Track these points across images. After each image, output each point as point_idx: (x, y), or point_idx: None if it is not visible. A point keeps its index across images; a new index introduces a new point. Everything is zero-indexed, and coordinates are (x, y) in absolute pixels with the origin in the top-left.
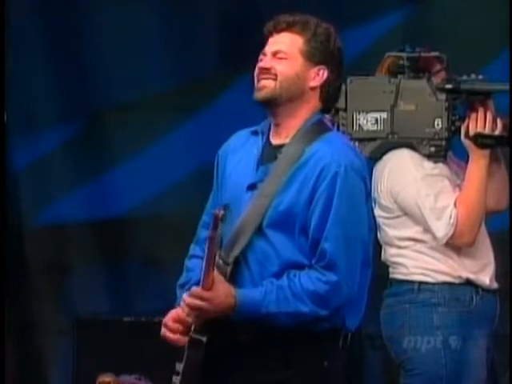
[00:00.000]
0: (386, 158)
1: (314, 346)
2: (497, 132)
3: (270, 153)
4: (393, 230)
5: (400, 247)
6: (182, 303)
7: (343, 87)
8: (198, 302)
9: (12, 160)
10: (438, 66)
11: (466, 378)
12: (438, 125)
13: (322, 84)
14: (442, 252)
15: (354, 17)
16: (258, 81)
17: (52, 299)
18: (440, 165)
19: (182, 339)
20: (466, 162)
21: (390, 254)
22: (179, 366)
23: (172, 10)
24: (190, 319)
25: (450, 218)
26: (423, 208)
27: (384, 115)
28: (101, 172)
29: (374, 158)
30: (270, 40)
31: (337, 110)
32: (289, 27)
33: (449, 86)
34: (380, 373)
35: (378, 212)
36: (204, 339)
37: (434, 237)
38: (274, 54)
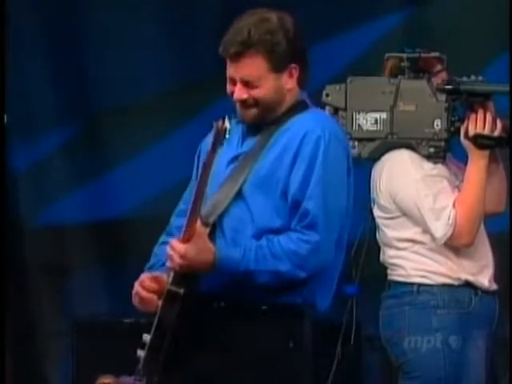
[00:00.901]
0: (384, 158)
1: (282, 324)
2: (496, 133)
3: (254, 129)
4: (391, 231)
5: (399, 248)
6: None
7: (343, 87)
8: (175, 255)
9: (12, 161)
10: (438, 67)
11: (465, 379)
12: (437, 125)
13: (296, 80)
14: (440, 253)
15: (354, 18)
16: (240, 109)
17: (51, 300)
18: (439, 165)
19: (153, 300)
20: (465, 163)
21: (388, 255)
22: (146, 337)
23: (171, 11)
24: (166, 277)
25: (449, 218)
26: (422, 208)
27: (383, 115)
28: (100, 173)
29: (373, 158)
30: (233, 65)
31: (336, 110)
32: (246, 50)
33: (449, 87)
34: (379, 374)
35: (376, 212)
36: (181, 291)
37: (433, 237)
38: (245, 83)
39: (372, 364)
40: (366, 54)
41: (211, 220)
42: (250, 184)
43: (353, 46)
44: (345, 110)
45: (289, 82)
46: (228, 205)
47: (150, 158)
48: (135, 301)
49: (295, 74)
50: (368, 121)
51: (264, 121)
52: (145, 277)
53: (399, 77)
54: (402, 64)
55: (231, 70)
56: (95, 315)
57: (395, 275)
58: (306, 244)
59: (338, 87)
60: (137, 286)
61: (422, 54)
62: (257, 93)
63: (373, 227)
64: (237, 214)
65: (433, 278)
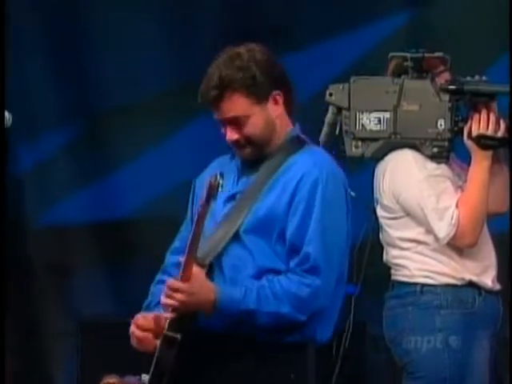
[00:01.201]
0: (388, 158)
1: (282, 359)
2: (499, 133)
3: (250, 167)
4: (395, 231)
5: (402, 248)
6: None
7: (346, 86)
8: (175, 294)
9: (15, 162)
10: (441, 67)
11: (469, 379)
12: (440, 125)
13: (283, 105)
14: (444, 254)
15: (358, 18)
16: (236, 150)
17: (56, 301)
18: (442, 166)
19: (148, 338)
20: (469, 163)
21: (392, 255)
22: (145, 378)
23: (171, 11)
24: (165, 317)
25: (452, 218)
26: (425, 208)
27: (387, 115)
28: (103, 173)
29: (377, 158)
30: (216, 110)
31: (340, 109)
32: (223, 92)
33: (452, 87)
34: (383, 375)
35: (380, 212)
36: (178, 337)
37: (436, 237)
38: (233, 123)
39: (377, 364)
40: (369, 54)
41: (207, 261)
42: (247, 225)
43: (356, 46)
44: (348, 109)
45: (275, 110)
46: (226, 245)
47: (152, 158)
48: (133, 341)
49: (280, 100)
50: (371, 120)
51: (262, 154)
52: (140, 316)
53: (403, 76)
54: (406, 64)
55: (217, 115)
56: (99, 315)
57: (399, 275)
58: (306, 288)
59: (341, 87)
60: (132, 327)
61: (426, 54)
62: (247, 130)
63: (376, 227)
64: (237, 254)
65: (436, 279)
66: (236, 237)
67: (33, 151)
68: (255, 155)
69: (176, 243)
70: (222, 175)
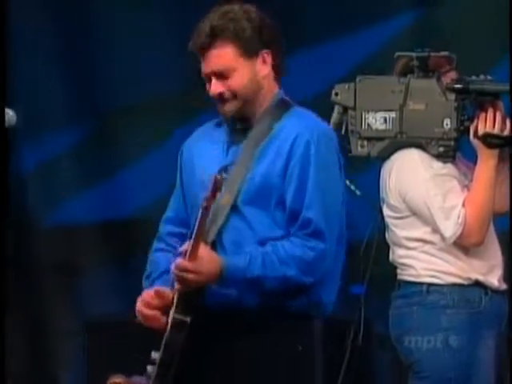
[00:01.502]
0: (394, 157)
1: (289, 328)
2: (506, 132)
3: (238, 135)
4: (401, 231)
5: (408, 248)
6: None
7: (352, 86)
8: (184, 274)
9: (21, 162)
10: (447, 66)
11: (475, 379)
12: (446, 125)
13: (271, 67)
14: (450, 253)
15: (365, 18)
16: (219, 105)
17: (62, 300)
18: (448, 165)
19: (158, 317)
20: (475, 163)
21: (398, 254)
22: (155, 354)
23: (181, 11)
24: (172, 295)
25: (459, 217)
26: (431, 208)
27: (393, 114)
28: (110, 173)
29: (383, 157)
30: (204, 60)
31: (345, 109)
32: (213, 40)
33: (458, 86)
34: (389, 374)
35: (386, 212)
36: (188, 319)
37: (442, 236)
38: (218, 75)
39: (383, 363)
40: (375, 54)
41: (210, 238)
42: (245, 194)
43: (362, 45)
44: (354, 109)
45: (263, 69)
46: (225, 219)
47: (159, 157)
48: (139, 318)
49: (268, 60)
50: (377, 120)
51: (246, 114)
52: (146, 294)
53: (408, 76)
54: (412, 63)
55: (204, 66)
56: (106, 315)
57: (405, 275)
58: (311, 251)
59: (347, 86)
60: (139, 305)
61: (431, 54)
62: (232, 83)
63: (382, 227)
64: (235, 227)
65: (443, 278)
66: (234, 209)
67: (40, 151)
68: (239, 111)
69: (168, 213)
70: (226, 169)
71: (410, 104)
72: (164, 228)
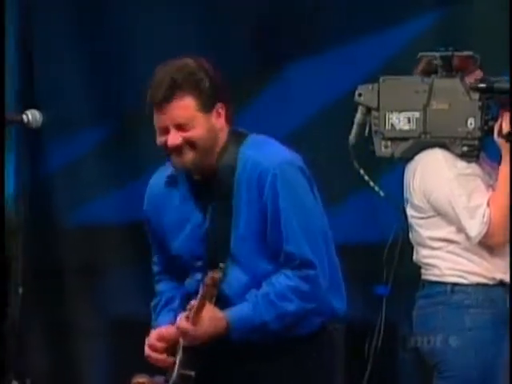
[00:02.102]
0: (418, 157)
1: (302, 340)
2: None
3: (204, 191)
4: (425, 231)
5: (433, 248)
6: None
7: (376, 86)
8: (185, 336)
9: (47, 162)
10: (471, 66)
11: (498, 379)
12: (470, 124)
13: (224, 118)
14: (475, 253)
15: (389, 18)
16: (174, 157)
17: (87, 300)
18: (473, 164)
19: (167, 359)
20: (499, 163)
21: (422, 255)
22: None
23: (207, 10)
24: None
25: (484, 216)
26: (456, 207)
27: (417, 114)
28: (135, 173)
29: (406, 157)
30: (163, 112)
31: (369, 110)
32: (174, 93)
33: (482, 86)
34: (413, 375)
35: (410, 212)
36: (193, 374)
37: (467, 236)
38: (177, 127)
39: (406, 364)
40: (399, 55)
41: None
42: (235, 245)
43: (387, 46)
44: (377, 109)
45: (218, 122)
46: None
47: None
48: (149, 360)
49: (222, 113)
50: (401, 120)
51: (202, 166)
52: (153, 339)
53: (432, 76)
54: (435, 63)
55: (161, 118)
56: (130, 314)
57: (429, 275)
58: (304, 281)
59: (370, 87)
60: (147, 350)
61: (455, 53)
62: (191, 134)
63: (405, 227)
64: (236, 277)
65: (467, 278)
66: (232, 260)
67: (65, 151)
68: (195, 164)
69: (155, 267)
70: (222, 269)
71: (434, 104)
72: (157, 277)
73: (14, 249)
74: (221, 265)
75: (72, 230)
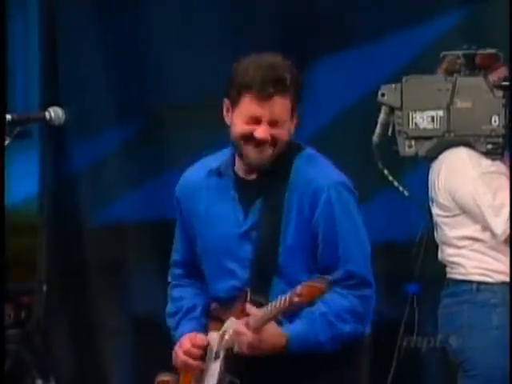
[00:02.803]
0: (442, 156)
1: (333, 365)
2: None
3: (250, 190)
4: (451, 229)
5: (458, 247)
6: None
7: (399, 86)
8: (243, 344)
9: (70, 161)
10: (494, 63)
11: None
12: (495, 122)
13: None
14: (501, 252)
15: (413, 17)
16: (253, 148)
17: (111, 299)
18: (497, 162)
19: (200, 366)
20: None
21: (447, 253)
22: None
23: (232, 11)
24: (206, 340)
25: (509, 214)
26: (482, 206)
27: (440, 113)
28: (159, 171)
29: (431, 157)
30: (263, 104)
31: (392, 109)
32: (283, 90)
33: (506, 83)
34: (439, 374)
35: (435, 211)
36: (239, 382)
37: (493, 234)
38: (272, 123)
39: (431, 363)
40: (424, 53)
41: (264, 299)
42: (283, 256)
43: (411, 45)
44: (401, 109)
45: (292, 129)
46: (269, 281)
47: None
48: (176, 364)
49: (295, 121)
50: (425, 119)
51: (273, 165)
52: (187, 344)
53: (455, 74)
54: (458, 61)
55: (257, 109)
56: (154, 312)
57: (455, 273)
58: (361, 300)
59: (393, 86)
60: (183, 357)
61: (478, 51)
62: (279, 133)
63: (431, 226)
64: (282, 292)
65: (493, 276)
66: (277, 271)
67: (89, 150)
68: (270, 161)
69: (175, 256)
70: (330, 283)
71: (457, 102)
72: (174, 270)
73: (37, 247)
74: (328, 277)
75: (96, 229)
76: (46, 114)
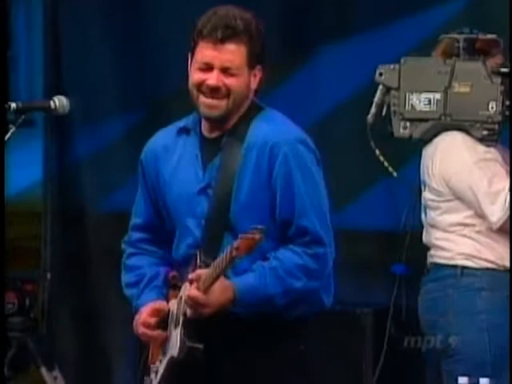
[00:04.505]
0: (436, 140)
1: (289, 334)
2: None
3: (211, 148)
4: (442, 214)
5: (447, 231)
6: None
7: (397, 67)
8: (197, 307)
9: (76, 148)
10: (494, 50)
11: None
12: (492, 108)
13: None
14: (489, 237)
15: (419, 2)
16: (206, 98)
17: (117, 287)
18: (492, 149)
19: (161, 335)
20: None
21: (434, 236)
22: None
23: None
24: (166, 306)
25: (505, 202)
26: (477, 193)
27: (437, 96)
28: None
29: (425, 139)
30: (215, 50)
31: (388, 89)
32: (234, 36)
33: (504, 70)
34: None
35: (427, 195)
36: (201, 347)
37: (489, 221)
38: (224, 69)
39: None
40: (430, 39)
41: (212, 257)
42: (236, 212)
43: (417, 30)
44: (397, 89)
45: (252, 83)
46: (222, 238)
47: None
48: (138, 335)
49: (258, 76)
50: (421, 101)
51: (225, 119)
52: (145, 315)
53: (454, 58)
54: (457, 45)
55: (209, 55)
56: None
57: (438, 257)
58: (313, 258)
59: (391, 67)
60: (141, 328)
61: (480, 36)
62: (232, 82)
63: (418, 208)
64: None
65: (477, 262)
66: (229, 229)
67: (93, 138)
68: (224, 114)
69: (135, 220)
70: (264, 231)
71: (455, 86)
72: (133, 234)
73: (41, 235)
74: (262, 227)
75: (100, 217)
76: (51, 102)
